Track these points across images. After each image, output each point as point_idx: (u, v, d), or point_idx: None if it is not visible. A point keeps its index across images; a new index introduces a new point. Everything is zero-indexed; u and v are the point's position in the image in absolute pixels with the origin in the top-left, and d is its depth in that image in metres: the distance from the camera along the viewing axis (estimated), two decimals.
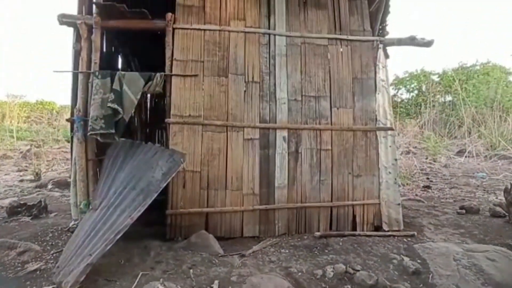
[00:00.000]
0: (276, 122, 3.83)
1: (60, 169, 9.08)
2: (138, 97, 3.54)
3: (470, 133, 12.62)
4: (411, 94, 17.80)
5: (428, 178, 8.36)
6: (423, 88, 16.91)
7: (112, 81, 3.45)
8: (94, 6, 3.53)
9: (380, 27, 4.41)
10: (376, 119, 4.06)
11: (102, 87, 3.40)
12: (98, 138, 3.40)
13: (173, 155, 3.37)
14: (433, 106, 15.12)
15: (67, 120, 3.83)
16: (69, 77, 3.71)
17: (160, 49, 3.89)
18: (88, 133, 3.34)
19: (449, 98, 15.85)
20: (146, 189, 3.07)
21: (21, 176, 7.81)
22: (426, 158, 10.80)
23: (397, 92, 17.83)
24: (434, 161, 10.41)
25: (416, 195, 6.28)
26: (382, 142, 4.05)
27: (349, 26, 4.17)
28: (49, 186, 6.35)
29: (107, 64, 4.16)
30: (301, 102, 3.92)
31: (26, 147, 11.74)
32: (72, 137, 3.57)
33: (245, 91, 3.79)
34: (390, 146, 4.08)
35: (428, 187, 7.04)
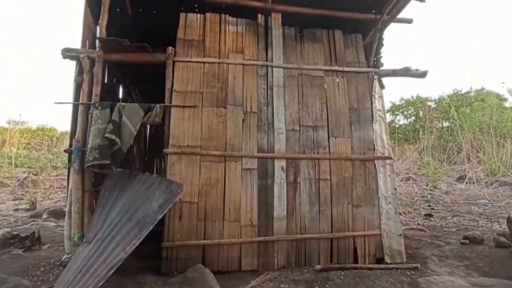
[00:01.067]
0: (274, 152, 3.83)
1: (57, 197, 8.96)
2: (137, 127, 3.56)
3: (469, 159, 12.63)
4: (409, 120, 18.02)
5: (429, 206, 8.25)
6: (420, 114, 17.15)
7: (111, 112, 3.49)
8: (97, 41, 3.65)
9: (375, 58, 4.55)
10: (374, 148, 4.08)
11: (101, 118, 3.43)
12: (95, 169, 3.38)
13: (170, 186, 3.34)
14: (431, 132, 15.25)
15: (65, 151, 3.83)
16: (70, 105, 3.76)
17: (160, 80, 3.97)
18: (86, 165, 3.33)
19: (446, 123, 16.03)
20: (142, 221, 3.00)
21: (16, 205, 7.69)
22: (427, 185, 10.71)
23: (395, 118, 18.06)
24: (435, 188, 10.31)
25: (418, 224, 6.16)
26: (381, 171, 4.04)
27: (345, 58, 4.30)
28: (44, 216, 6.23)
29: (107, 94, 4.23)
30: (299, 132, 3.95)
31: (24, 175, 11.66)
32: (69, 168, 3.55)
33: (243, 121, 3.83)
34: (389, 176, 4.06)
35: (430, 215, 6.93)
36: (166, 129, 3.69)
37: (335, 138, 4.02)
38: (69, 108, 3.79)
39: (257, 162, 3.78)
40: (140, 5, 4.30)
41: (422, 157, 14.03)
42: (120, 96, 5.52)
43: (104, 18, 3.70)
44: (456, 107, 14.61)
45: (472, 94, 16.98)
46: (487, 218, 6.53)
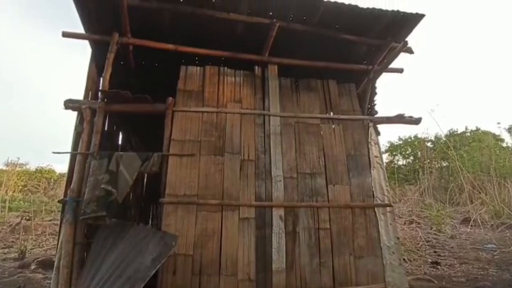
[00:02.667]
0: (272, 200, 3.77)
1: (48, 244, 8.62)
2: (134, 177, 3.54)
3: (471, 200, 12.43)
4: (407, 160, 18.08)
5: (435, 252, 7.92)
6: (419, 154, 17.24)
7: (109, 162, 3.49)
8: (99, 93, 3.77)
9: (369, 106, 4.69)
10: (373, 195, 4.03)
11: (98, 169, 3.43)
12: (90, 221, 3.30)
13: (165, 238, 3.24)
14: (431, 172, 15.20)
15: (59, 201, 3.76)
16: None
17: (159, 127, 4.04)
18: (80, 218, 3.25)
19: (445, 163, 16.04)
20: (133, 277, 2.86)
21: (5, 254, 7.36)
22: (431, 228, 10.40)
23: (394, 158, 18.12)
24: (440, 232, 10.00)
25: (425, 273, 5.86)
26: (382, 220, 3.94)
27: (340, 106, 4.43)
28: (33, 267, 5.93)
29: (107, 141, 4.28)
30: (297, 180, 3.93)
31: (17, 220, 11.35)
32: (61, 219, 3.46)
33: (240, 169, 3.82)
34: (390, 224, 3.96)
35: (437, 263, 6.62)
36: (163, 178, 3.66)
37: (334, 185, 3.98)
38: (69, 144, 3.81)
39: (254, 211, 3.70)
40: (143, 58, 4.51)
41: (423, 199, 13.83)
42: (120, 142, 5.58)
43: (107, 71, 3.87)
44: (454, 147, 14.75)
45: (468, 134, 17.24)
46: (497, 266, 6.23)
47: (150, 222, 6.65)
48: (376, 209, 3.96)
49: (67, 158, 3.80)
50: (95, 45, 4.15)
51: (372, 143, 4.24)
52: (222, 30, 4.17)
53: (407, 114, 4.45)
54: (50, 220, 11.95)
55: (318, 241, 3.72)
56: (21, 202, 14.30)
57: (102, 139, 3.76)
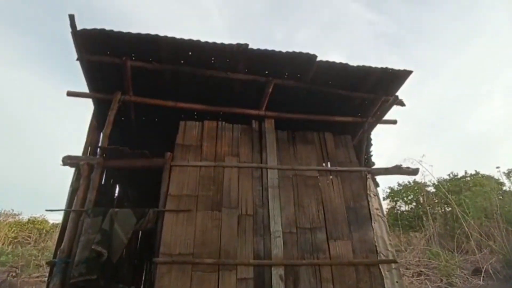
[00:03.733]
0: (271, 258, 3.61)
1: None
2: (129, 236, 3.43)
3: (480, 248, 11.92)
4: (410, 206, 17.71)
5: None
6: (421, 200, 16.93)
7: (103, 220, 3.40)
8: (98, 149, 3.81)
9: (366, 157, 4.73)
10: (376, 251, 3.87)
11: (91, 227, 3.33)
12: (80, 284, 3.11)
13: None
14: (435, 218, 14.79)
15: (47, 263, 3.59)
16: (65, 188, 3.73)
17: (156, 180, 4.02)
18: (70, 281, 3.07)
19: (448, 208, 15.68)
20: None
21: None
22: (441, 281, 9.81)
23: (395, 204, 17.76)
24: (451, 285, 9.42)
25: None
26: (387, 277, 3.73)
27: (337, 158, 4.46)
28: None
29: (103, 195, 4.22)
30: (296, 235, 3.80)
31: (3, 276, 10.72)
32: (48, 283, 3.25)
33: (238, 225, 3.72)
34: (397, 282, 3.74)
35: None
36: (158, 235, 3.54)
37: (335, 240, 3.84)
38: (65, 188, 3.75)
39: (253, 270, 3.52)
40: (143, 114, 4.65)
41: (430, 247, 13.26)
42: (117, 194, 5.50)
43: (108, 128, 3.95)
44: (455, 192, 14.53)
45: (468, 178, 17.12)
46: None
47: (143, 279, 6.26)
48: (380, 266, 3.78)
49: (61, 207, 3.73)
50: (97, 102, 4.31)
51: (372, 194, 4.19)
52: (221, 87, 4.37)
53: (404, 165, 4.47)
54: (37, 277, 11.28)
55: None
56: (9, 255, 13.64)
57: (98, 194, 3.72)
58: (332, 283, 3.59)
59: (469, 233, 12.26)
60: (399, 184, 18.19)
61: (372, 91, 4.67)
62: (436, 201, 15.92)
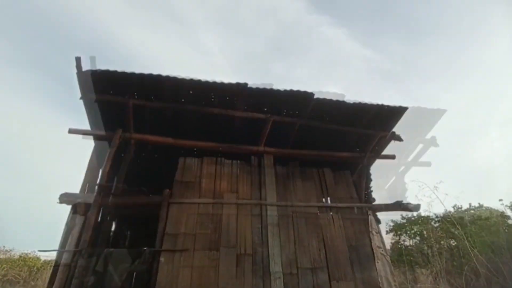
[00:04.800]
0: None
1: None
2: (123, 277, 3.30)
3: (490, 284, 11.36)
4: (414, 240, 17.17)
5: None
6: (425, 233, 16.46)
7: (97, 261, 3.30)
8: (96, 187, 3.79)
9: (365, 193, 4.68)
10: None
11: (85, 269, 3.22)
12: None
13: None
14: (440, 253, 14.27)
15: None
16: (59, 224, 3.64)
17: (154, 217, 3.94)
18: None
19: (453, 242, 15.18)
20: None
21: None
22: None
23: (399, 238, 17.24)
24: None
25: None
26: None
27: (336, 194, 4.42)
28: None
29: (98, 232, 4.10)
30: (297, 276, 3.66)
31: None
32: None
33: (237, 266, 3.59)
34: None
35: None
36: (152, 277, 3.41)
37: (337, 281, 3.69)
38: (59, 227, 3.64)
39: None
40: (142, 150, 4.68)
41: (437, 285, 12.65)
42: (113, 230, 5.36)
43: (107, 165, 3.96)
44: (460, 225, 14.14)
45: (472, 211, 16.76)
46: None
47: None
48: None
49: (54, 243, 3.63)
50: (98, 139, 4.36)
51: (374, 232, 4.10)
52: (220, 124, 4.44)
53: (405, 201, 4.41)
54: None
55: None
56: None
57: (93, 231, 3.63)
58: None
59: (478, 269, 11.77)
60: (402, 217, 17.79)
61: (369, 126, 4.74)
62: (442, 235, 15.46)
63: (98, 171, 4.36)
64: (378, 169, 5.04)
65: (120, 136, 4.11)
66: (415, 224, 17.52)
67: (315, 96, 4.23)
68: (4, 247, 16.86)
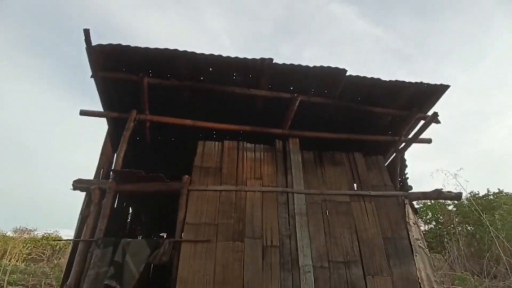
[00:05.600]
0: None
1: None
2: (141, 269, 3.07)
3: (510, 271, 10.93)
4: (429, 226, 16.76)
5: None
6: (440, 219, 16.01)
7: (114, 251, 3.07)
8: (111, 173, 3.53)
9: (400, 179, 4.29)
10: None
11: (100, 259, 3.00)
12: None
13: None
14: (457, 239, 13.85)
15: None
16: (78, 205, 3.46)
17: (172, 205, 3.70)
18: None
19: (469, 228, 14.70)
20: None
21: None
22: None
23: None
24: None
25: None
26: None
27: (369, 181, 4.04)
28: None
29: (115, 220, 3.91)
30: (329, 270, 3.36)
31: None
32: None
33: (263, 258, 3.31)
34: None
35: None
36: (174, 270, 3.17)
37: (373, 276, 3.38)
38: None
39: None
40: (159, 133, 4.39)
41: (454, 270, 12.31)
42: (129, 218, 5.19)
43: (122, 148, 3.69)
44: (478, 212, 13.62)
45: (491, 197, 16.13)
46: None
47: None
48: None
49: (73, 223, 3.44)
50: (112, 121, 4.07)
51: (411, 223, 3.74)
52: (242, 104, 4.08)
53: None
54: None
55: None
56: (21, 274, 13.42)
57: (109, 218, 3.40)
58: None
59: (499, 255, 11.31)
60: (418, 202, 17.29)
61: (405, 107, 4.29)
62: (458, 220, 14.97)
63: (113, 156, 4.10)
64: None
65: (135, 117, 3.80)
66: (430, 209, 17.01)
67: (347, 73, 3.80)
68: (27, 227, 17.37)
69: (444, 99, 4.24)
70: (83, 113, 3.82)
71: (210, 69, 3.66)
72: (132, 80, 3.65)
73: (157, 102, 3.91)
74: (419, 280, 3.42)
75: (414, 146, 4.51)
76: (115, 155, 3.85)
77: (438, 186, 4.15)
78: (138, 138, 4.24)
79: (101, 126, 4.15)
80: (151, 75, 3.70)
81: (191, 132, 4.19)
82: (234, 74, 3.75)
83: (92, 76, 3.60)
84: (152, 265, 5.88)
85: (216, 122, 4.06)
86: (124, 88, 3.82)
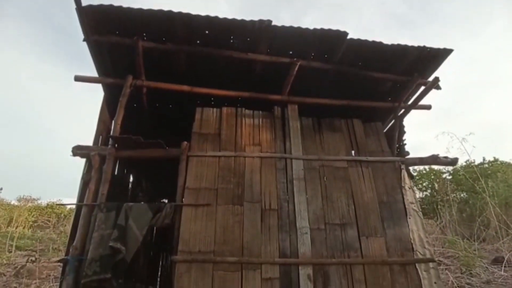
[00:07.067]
0: (298, 257, 3.31)
1: None
2: (144, 232, 3.18)
3: (499, 235, 11.42)
4: (424, 193, 17.19)
5: None
6: (436, 187, 16.39)
7: (117, 215, 3.16)
8: (110, 139, 3.53)
9: (398, 145, 4.32)
10: (412, 249, 3.53)
11: (104, 222, 3.09)
12: (93, 284, 2.90)
13: None
14: (450, 205, 14.28)
15: (59, 261, 3.39)
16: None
17: (172, 170, 3.75)
18: (82, 281, 2.86)
19: (463, 195, 15.11)
20: None
21: None
22: (462, 272, 9.47)
23: None
24: (471, 275, 9.06)
25: None
26: (425, 278, 3.41)
27: (367, 147, 4.07)
28: None
29: (116, 186, 3.98)
30: (325, 231, 3.49)
31: (24, 259, 10.92)
32: (61, 282, 3.06)
33: (262, 221, 3.43)
34: (435, 283, 3.41)
35: None
36: (175, 231, 3.28)
37: (367, 237, 3.52)
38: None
39: (278, 270, 3.24)
40: (156, 100, 4.33)
41: (445, 235, 12.84)
42: (130, 186, 5.28)
43: (119, 115, 3.66)
44: (472, 179, 13.91)
45: (486, 165, 16.39)
46: None
47: (159, 273, 6.12)
48: (417, 265, 3.45)
49: (76, 193, 3.50)
50: (108, 88, 4.01)
51: (406, 187, 3.82)
52: (240, 70, 3.99)
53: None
54: (56, 262, 11.47)
55: None
56: (29, 240, 13.91)
57: (110, 187, 3.46)
58: (365, 285, 3.29)
59: (489, 220, 11.72)
60: (413, 170, 17.57)
61: (405, 73, 4.22)
62: (452, 187, 15.32)
63: (111, 123, 4.08)
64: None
65: (131, 83, 3.73)
66: (426, 177, 17.32)
67: (349, 37, 3.68)
68: (31, 196, 17.72)
69: (446, 69, 4.16)
70: (78, 79, 3.74)
71: (207, 31, 3.53)
72: (126, 44, 3.54)
73: (154, 67, 3.82)
74: (411, 241, 3.57)
75: (418, 116, 4.50)
76: (113, 122, 3.83)
77: (442, 153, 4.12)
78: (135, 105, 4.20)
79: (99, 95, 4.07)
80: (145, 38, 3.57)
81: (189, 98, 4.14)
82: (232, 37, 3.62)
83: (84, 40, 3.48)
84: (154, 229, 6.09)
85: (214, 89, 4.00)
86: (119, 53, 3.71)
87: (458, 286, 8.22)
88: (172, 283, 3.13)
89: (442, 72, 4.20)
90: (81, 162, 3.55)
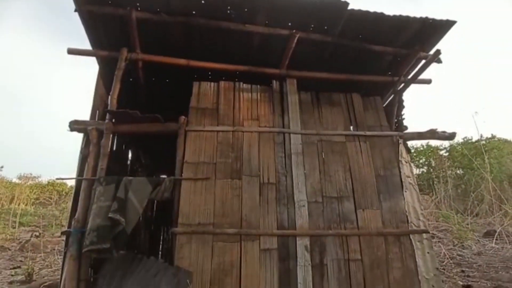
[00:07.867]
0: (295, 228, 3.40)
1: (57, 265, 8.35)
2: (144, 205, 3.23)
3: (492, 210, 11.72)
4: (421, 170, 17.39)
5: (463, 272, 7.34)
6: (433, 163, 16.57)
7: (117, 188, 3.19)
8: (107, 114, 3.50)
9: (396, 120, 4.31)
10: (407, 220, 3.62)
11: (104, 195, 3.12)
12: (93, 254, 2.99)
13: (178, 275, 2.91)
14: (446, 181, 14.51)
15: (62, 233, 3.47)
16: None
17: (171, 145, 3.76)
18: (83, 250, 2.94)
19: (460, 171, 15.32)
20: None
21: (12, 276, 7.09)
22: (454, 244, 9.78)
23: None
24: (463, 247, 9.37)
25: None
26: (418, 248, 3.52)
27: (366, 122, 4.07)
28: None
29: (115, 161, 4.00)
30: (322, 204, 3.56)
31: (27, 235, 11.18)
32: (65, 253, 3.14)
33: (260, 194, 3.48)
34: (428, 253, 3.54)
35: (469, 286, 6.09)
36: (175, 205, 3.34)
37: (363, 210, 3.59)
38: None
39: (277, 241, 3.33)
40: (153, 74, 4.25)
41: (440, 209, 13.15)
42: (129, 161, 5.31)
43: (116, 89, 3.61)
44: (469, 156, 14.05)
45: (483, 142, 16.48)
46: None
47: (161, 246, 6.30)
48: (411, 236, 3.55)
49: (75, 170, 3.53)
50: (102, 61, 3.92)
51: (403, 161, 3.86)
52: (237, 42, 3.89)
53: (439, 129, 4.06)
54: (59, 236, 11.75)
55: (349, 275, 3.31)
56: (31, 217, 14.17)
57: (109, 161, 3.48)
58: (360, 254, 3.40)
59: (483, 196, 11.97)
60: (411, 147, 17.67)
61: (406, 46, 4.13)
62: (449, 164, 15.50)
63: (107, 98, 4.02)
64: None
65: (126, 56, 3.65)
66: (423, 154, 17.42)
67: (350, 7, 3.56)
68: (31, 174, 17.82)
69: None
70: (71, 51, 3.65)
71: (203, 1, 3.41)
72: (119, 15, 3.42)
73: (149, 40, 3.73)
74: (406, 213, 3.65)
75: (424, 91, 4.43)
76: (109, 97, 3.78)
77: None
78: (131, 79, 4.13)
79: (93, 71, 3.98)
80: (139, 9, 3.45)
81: (185, 73, 4.06)
82: (228, 7, 3.50)
83: (76, 10, 3.36)
84: (155, 204, 6.22)
85: (211, 62, 3.92)
86: (113, 24, 3.60)
87: (450, 257, 8.51)
88: (173, 254, 3.23)
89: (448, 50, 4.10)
90: (78, 133, 3.53)
